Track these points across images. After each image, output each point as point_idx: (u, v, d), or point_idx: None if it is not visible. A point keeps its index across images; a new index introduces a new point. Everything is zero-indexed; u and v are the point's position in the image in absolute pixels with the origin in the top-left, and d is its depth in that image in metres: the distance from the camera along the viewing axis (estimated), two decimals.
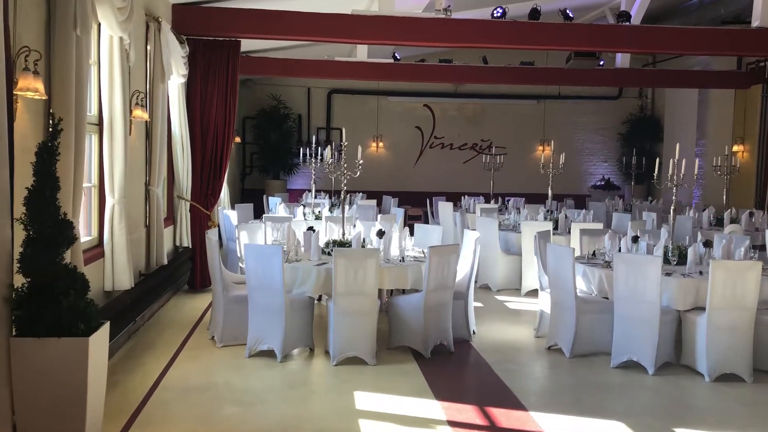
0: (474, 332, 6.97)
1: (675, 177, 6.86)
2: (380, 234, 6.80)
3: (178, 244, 8.72)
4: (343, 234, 7.09)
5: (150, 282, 7.08)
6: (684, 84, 14.54)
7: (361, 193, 13.97)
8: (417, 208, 15.75)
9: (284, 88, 16.66)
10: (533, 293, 8.86)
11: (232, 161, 15.52)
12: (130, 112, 6.57)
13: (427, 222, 14.33)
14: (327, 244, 6.78)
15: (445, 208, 12.82)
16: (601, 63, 13.94)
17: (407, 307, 6.23)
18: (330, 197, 13.26)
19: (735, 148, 13.92)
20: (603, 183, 17.88)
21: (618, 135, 17.86)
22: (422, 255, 6.64)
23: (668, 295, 5.90)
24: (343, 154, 7.19)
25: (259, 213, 11.52)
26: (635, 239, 6.87)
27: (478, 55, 14.42)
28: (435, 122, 17.67)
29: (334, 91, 17.14)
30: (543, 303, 6.91)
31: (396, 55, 13.33)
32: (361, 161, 7.13)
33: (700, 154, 15.01)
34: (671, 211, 7.08)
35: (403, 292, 6.69)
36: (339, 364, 5.87)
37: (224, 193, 12.84)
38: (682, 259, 6.43)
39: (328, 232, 7.66)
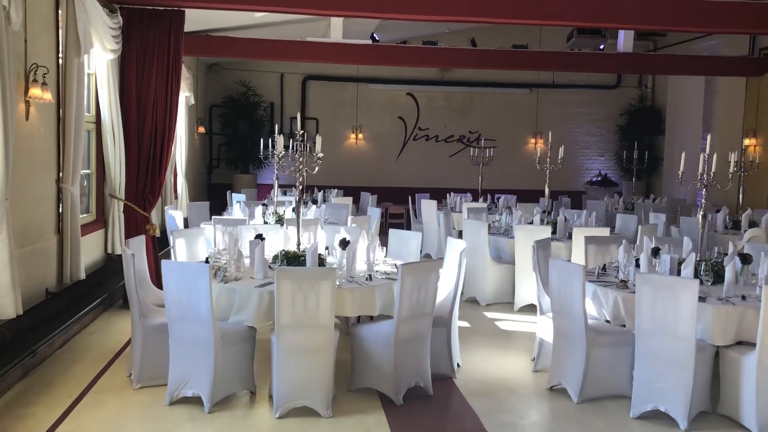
0: (458, 365, 5.68)
1: (705, 176, 5.58)
2: (343, 244, 5.49)
3: (110, 251, 7.36)
4: (298, 244, 5.76)
5: (57, 303, 5.73)
6: (691, 71, 13.26)
7: (336, 189, 12.65)
8: (399, 205, 14.44)
9: (255, 74, 15.27)
10: (528, 309, 7.60)
11: (197, 153, 14.15)
12: (26, 90, 5.21)
13: (409, 222, 13.02)
14: (275, 258, 5.46)
15: (428, 206, 11.54)
16: (602, 47, 12.69)
17: (374, 340, 4.92)
18: (301, 193, 11.93)
19: (746, 141, 12.69)
20: (599, 179, 16.64)
21: (616, 127, 16.61)
22: (396, 270, 5.34)
23: (703, 326, 4.63)
24: (299, 145, 5.83)
25: (222, 212, 10.15)
26: (656, 252, 5.60)
27: (465, 38, 13.12)
28: (419, 112, 16.34)
29: (309, 77, 15.76)
30: (543, 329, 5.63)
31: (375, 36, 11.98)
32: (320, 155, 5.80)
33: (706, 147, 13.76)
34: (699, 218, 5.80)
35: (371, 318, 5.39)
36: (283, 416, 4.56)
37: (182, 190, 11.49)
38: (716, 278, 5.17)
39: (284, 240, 6.34)
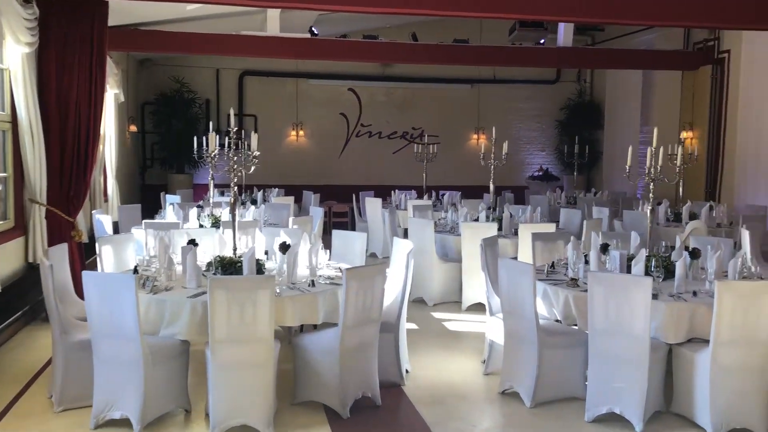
0: (407, 371, 5.44)
1: (653, 169, 5.50)
2: (283, 248, 5.17)
3: (32, 260, 6.83)
4: (235, 249, 5.41)
5: None
6: (629, 65, 13.41)
7: (277, 189, 12.25)
8: (343, 204, 14.13)
9: (189, 70, 14.70)
10: (476, 308, 7.44)
11: (129, 153, 13.53)
12: None
13: (353, 221, 12.75)
14: (209, 266, 5.10)
15: (373, 204, 11.30)
16: (542, 42, 12.69)
17: (317, 350, 4.64)
18: (240, 194, 11.51)
19: (684, 134, 12.92)
20: (541, 174, 16.73)
21: (556, 122, 16.74)
22: (340, 274, 5.05)
23: (656, 323, 4.52)
24: (233, 143, 5.47)
25: (155, 215, 9.64)
26: (605, 248, 5.49)
27: (406, 32, 12.92)
28: (361, 108, 16.08)
29: (246, 72, 15.29)
30: (493, 331, 5.45)
31: (313, 29, 11.63)
32: (256, 153, 5.46)
33: (645, 141, 13.97)
34: (647, 212, 5.72)
35: (315, 327, 5.09)
36: None
37: (113, 192, 10.91)
38: (667, 274, 5.08)
39: (220, 244, 5.97)
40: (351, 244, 6.27)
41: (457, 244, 7.89)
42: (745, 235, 7.27)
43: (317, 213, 9.11)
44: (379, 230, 10.89)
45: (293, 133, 15.67)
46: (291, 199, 11.08)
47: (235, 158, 5.38)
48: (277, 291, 4.56)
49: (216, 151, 5.62)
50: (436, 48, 11.90)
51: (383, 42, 11.77)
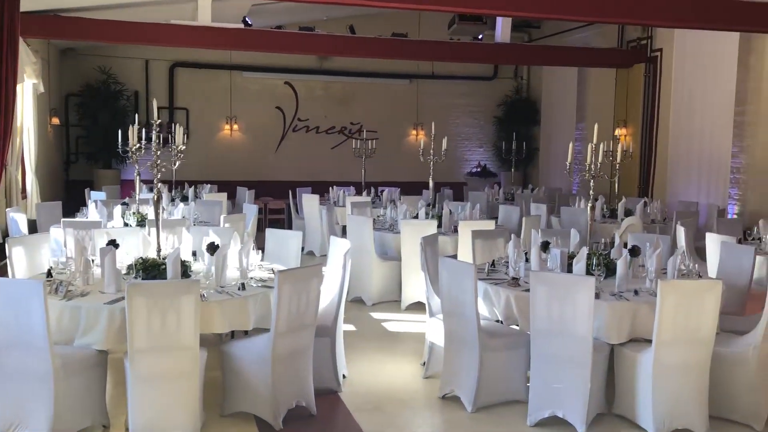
0: (344, 376, 5.21)
1: (593, 166, 5.42)
2: (211, 249, 4.86)
3: None
4: (158, 250, 5.05)
5: None
6: (565, 62, 13.53)
7: (209, 185, 11.80)
8: (280, 200, 13.76)
9: (116, 60, 14.01)
10: (415, 307, 7.26)
11: (51, 147, 12.81)
12: None
13: (290, 218, 12.40)
14: (130, 268, 4.74)
15: (310, 201, 10.99)
16: (480, 37, 12.64)
17: (247, 358, 4.35)
18: (170, 190, 11.03)
19: (617, 131, 13.11)
20: (479, 170, 16.75)
21: (494, 118, 16.77)
22: (273, 276, 4.77)
23: (599, 323, 4.42)
24: (158, 137, 5.11)
25: (76, 213, 9.08)
26: (545, 246, 5.39)
27: (344, 25, 12.65)
28: (298, 102, 15.71)
29: (177, 64, 14.69)
30: (433, 332, 5.26)
31: (247, 19, 11.23)
32: (182, 147, 5.11)
33: (580, 138, 14.14)
34: (588, 209, 5.64)
35: (246, 333, 4.79)
36: None
37: (32, 188, 10.27)
38: (608, 272, 5.00)
39: (144, 245, 5.59)
40: (285, 244, 5.98)
41: (397, 241, 7.70)
42: (681, 232, 7.36)
43: (251, 210, 8.76)
44: (316, 228, 10.60)
45: (227, 127, 15.18)
46: (224, 196, 10.67)
47: (159, 153, 5.02)
48: (204, 295, 4.26)
49: (138, 146, 5.22)
50: (374, 41, 11.68)
51: (320, 34, 11.48)
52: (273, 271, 4.89)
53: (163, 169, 5.07)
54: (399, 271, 7.55)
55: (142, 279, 4.57)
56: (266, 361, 4.21)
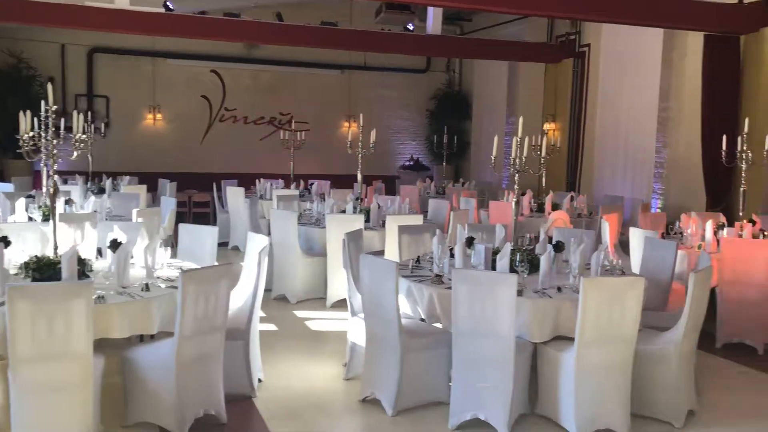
0: (260, 381, 4.93)
1: (518, 160, 5.30)
2: (114, 246, 4.50)
3: None
4: (56, 247, 4.63)
5: None
6: (496, 55, 13.54)
7: (128, 177, 11.24)
8: (205, 193, 13.26)
9: (29, 44, 13.19)
10: (341, 305, 7.01)
11: None
12: None
13: (215, 212, 11.95)
14: (23, 268, 4.33)
15: (235, 194, 10.59)
16: (411, 27, 12.48)
17: (150, 364, 4.02)
18: (86, 182, 10.46)
19: (546, 126, 13.21)
20: (412, 163, 16.65)
21: (426, 111, 16.70)
22: None
23: (521, 321, 4.29)
24: (51, 123, 4.70)
25: None
26: (470, 242, 5.24)
27: (271, 13, 12.27)
28: (225, 91, 15.21)
29: (96, 49, 13.96)
30: (355, 332, 5.05)
31: (168, 4, 10.71)
32: (81, 136, 4.72)
33: (511, 132, 14.19)
34: (513, 204, 5.53)
35: (153, 336, 4.46)
36: None
37: None
38: (531, 268, 4.89)
39: (43, 242, 5.15)
40: (200, 240, 5.65)
41: (322, 237, 7.44)
42: (605, 226, 7.38)
43: (168, 204, 8.33)
44: (242, 222, 10.22)
45: (150, 116, 14.55)
46: (143, 188, 10.17)
47: (56, 142, 4.61)
48: (103, 297, 3.91)
49: (32, 134, 4.78)
50: (302, 30, 11.35)
51: (246, 21, 11.06)
52: (182, 270, 4.57)
53: (59, 159, 4.65)
54: (324, 268, 7.30)
55: (36, 279, 4.18)
56: (170, 368, 3.90)
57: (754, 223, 6.97)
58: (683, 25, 9.47)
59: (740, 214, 7.48)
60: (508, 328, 4.08)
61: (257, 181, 11.55)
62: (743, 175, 7.46)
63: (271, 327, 6.42)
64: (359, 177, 9.15)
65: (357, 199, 8.82)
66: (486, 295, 4.11)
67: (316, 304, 7.29)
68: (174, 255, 5.43)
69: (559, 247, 5.13)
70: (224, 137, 15.14)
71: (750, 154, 7.32)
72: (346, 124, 15.87)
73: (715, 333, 6.02)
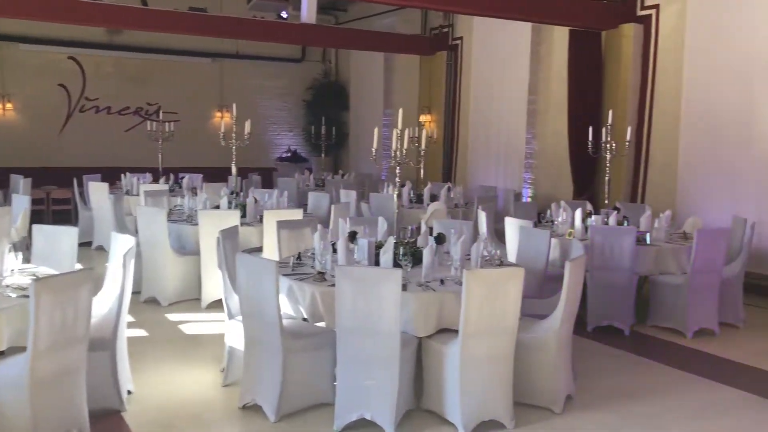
0: (129, 393, 4.56)
1: (398, 152, 5.23)
2: None
3: None
4: None
5: None
6: (371, 46, 13.51)
7: None
8: (65, 189, 12.29)
9: None
10: (217, 305, 6.67)
11: None
12: None
13: (77, 210, 11.09)
14: None
15: (98, 190, 9.89)
16: (284, 15, 12.18)
17: (0, 384, 3.58)
18: None
19: (422, 118, 13.35)
20: (290, 155, 16.34)
21: (303, 102, 16.43)
22: None
23: (406, 316, 4.22)
24: None
25: None
26: (353, 237, 5.11)
27: None
28: (86, 80, 14.19)
29: None
30: (232, 336, 4.78)
31: None
32: None
33: (388, 123, 14.26)
34: (395, 197, 5.47)
35: (1, 353, 3.98)
36: None
37: None
38: (415, 261, 4.84)
39: None
40: (57, 242, 5.15)
41: (195, 234, 7.04)
42: (482, 217, 7.52)
43: (21, 202, 7.60)
44: (106, 220, 9.53)
45: None
46: None
47: None
48: None
49: None
50: (169, 15, 10.76)
51: (106, 4, 10.30)
52: (36, 277, 4.11)
53: None
54: (198, 267, 6.93)
55: None
56: (22, 387, 3.48)
57: (618, 210, 7.35)
58: (549, 20, 9.85)
59: (605, 201, 7.90)
60: (394, 324, 3.99)
61: (123, 175, 10.85)
62: (607, 164, 7.86)
63: (141, 333, 6.00)
64: (234, 170, 8.79)
65: (232, 193, 8.47)
66: (371, 291, 4.00)
67: (190, 306, 6.91)
68: (28, 259, 4.91)
69: (440, 239, 5.12)
70: (85, 129, 14.13)
71: (614, 145, 7.72)
72: (219, 114, 15.28)
73: (586, 317, 6.28)
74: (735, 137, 8.18)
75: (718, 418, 4.52)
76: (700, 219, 7.32)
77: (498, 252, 5.20)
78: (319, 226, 5.28)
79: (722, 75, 8.34)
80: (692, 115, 8.72)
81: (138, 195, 9.45)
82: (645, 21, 9.37)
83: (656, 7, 9.27)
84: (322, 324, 4.49)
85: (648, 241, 6.52)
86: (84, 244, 10.01)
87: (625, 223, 6.89)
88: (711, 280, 6.28)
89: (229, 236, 5.25)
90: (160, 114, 12.47)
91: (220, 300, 6.53)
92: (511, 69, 11.35)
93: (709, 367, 5.51)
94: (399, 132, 5.20)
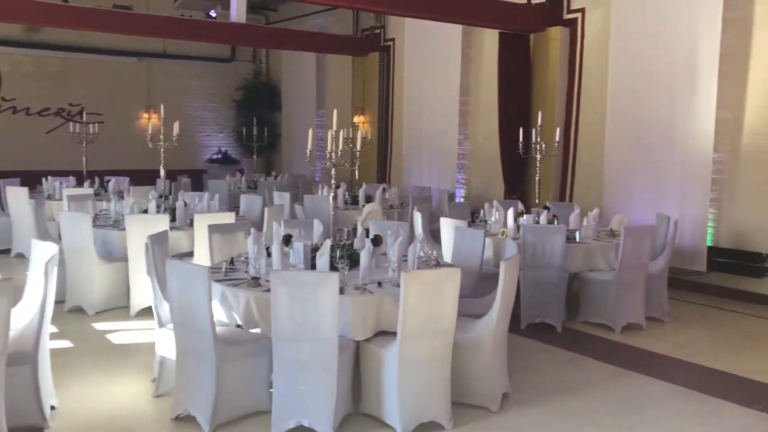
0: (53, 408, 4.34)
1: (334, 154, 5.18)
2: None
3: None
4: None
5: None
6: (303, 46, 13.39)
7: None
8: None
9: None
10: (147, 313, 6.45)
11: None
12: None
13: None
14: None
15: (17, 195, 9.42)
16: (213, 14, 11.93)
17: None
18: None
19: (356, 119, 13.33)
20: (220, 156, 16.01)
21: (233, 102, 16.14)
22: None
23: (343, 320, 4.17)
24: None
25: None
26: (288, 240, 5.03)
27: None
28: (1, 79, 13.50)
29: None
30: (163, 345, 4.62)
31: None
32: None
33: (321, 124, 14.17)
34: (330, 198, 5.41)
35: None
36: None
37: None
38: (352, 263, 4.80)
39: None
40: None
41: (122, 240, 6.79)
42: (418, 217, 7.54)
43: None
44: (27, 226, 9.08)
45: None
46: None
47: None
48: None
49: None
50: (92, 12, 10.36)
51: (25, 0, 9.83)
52: None
53: None
54: (126, 274, 6.68)
55: None
56: None
57: (548, 209, 7.51)
58: (478, 22, 9.99)
59: (536, 201, 8.06)
60: (331, 328, 3.94)
61: (44, 179, 10.37)
62: (537, 164, 8.03)
63: (66, 344, 5.74)
64: (162, 172, 8.54)
65: (161, 196, 8.22)
66: (307, 296, 3.93)
67: (118, 314, 6.65)
68: None
69: (377, 241, 5.09)
70: (2, 131, 13.43)
71: (543, 146, 7.89)
72: (146, 115, 14.78)
73: (520, 314, 6.38)
74: (658, 137, 8.49)
75: (647, 410, 4.66)
76: (626, 217, 7.56)
77: (434, 252, 5.21)
78: (252, 230, 5.17)
79: (645, 77, 8.64)
80: (617, 116, 8.99)
81: (61, 200, 9.05)
82: (571, 24, 9.62)
83: (582, 10, 9.53)
84: (257, 330, 4.39)
85: (577, 239, 6.68)
86: (2, 252, 9.54)
87: (555, 222, 7.04)
88: (637, 276, 6.49)
89: (158, 241, 5.07)
90: (84, 115, 12.00)
91: (150, 308, 6.36)
92: (443, 70, 11.45)
93: (637, 361, 5.68)
94: (334, 133, 5.15)
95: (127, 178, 10.83)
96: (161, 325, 4.66)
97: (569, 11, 9.67)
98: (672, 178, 8.34)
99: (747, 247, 7.76)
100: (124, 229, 6.76)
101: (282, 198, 9.16)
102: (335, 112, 5.32)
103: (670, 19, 8.38)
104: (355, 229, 5.70)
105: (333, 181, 5.36)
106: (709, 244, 8.01)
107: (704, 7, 7.95)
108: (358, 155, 5.73)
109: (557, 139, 8.13)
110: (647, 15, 8.67)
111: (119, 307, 6.76)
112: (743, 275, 7.74)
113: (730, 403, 4.77)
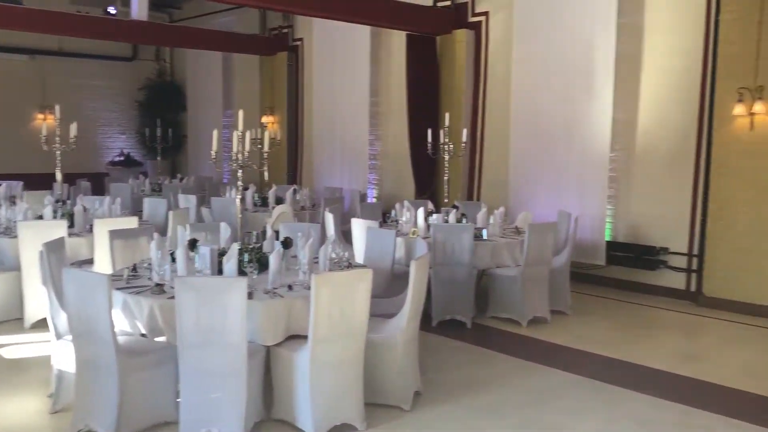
0: None
1: (240, 155, 5.06)
2: None
3: None
4: None
5: None
6: (208, 45, 13.06)
7: None
8: None
9: None
10: (43, 325, 6.08)
11: None
12: None
13: None
14: None
15: None
16: (113, 12, 11.45)
17: None
18: None
19: (265, 119, 13.13)
20: (123, 158, 15.39)
21: (135, 102, 15.55)
22: None
23: (253, 326, 4.09)
24: None
25: None
26: (193, 245, 4.88)
27: None
28: None
29: None
30: (61, 358, 4.38)
31: None
32: None
33: (229, 125, 13.87)
34: (237, 201, 5.29)
35: None
36: None
37: None
38: (261, 267, 4.71)
39: None
40: None
41: (14, 248, 6.39)
42: (329, 219, 7.51)
43: None
44: None
45: None
46: None
47: None
48: None
49: None
50: None
51: None
52: None
53: None
54: (19, 284, 6.29)
55: None
56: None
57: (456, 208, 7.65)
58: (385, 24, 10.05)
59: (445, 200, 8.20)
60: (239, 334, 3.85)
61: None
62: (446, 164, 8.17)
63: None
64: (59, 176, 8.11)
65: (57, 201, 7.80)
66: (214, 302, 3.82)
67: (11, 326, 6.26)
68: None
69: (287, 244, 5.03)
70: None
71: (451, 146, 8.03)
72: (41, 116, 14.05)
73: (431, 312, 6.46)
74: (558, 137, 8.81)
75: (554, 401, 4.82)
76: (531, 214, 7.81)
77: (346, 254, 5.19)
78: (155, 235, 4.99)
79: (546, 80, 8.95)
80: (520, 116, 9.27)
81: None
82: (476, 27, 9.84)
83: (486, 14, 9.77)
84: (162, 339, 4.24)
85: (485, 237, 6.84)
86: None
87: (464, 221, 7.18)
88: (542, 271, 6.72)
89: (54, 249, 4.80)
90: None
91: (45, 319, 6.03)
92: (352, 71, 11.45)
93: (544, 354, 5.88)
94: (240, 134, 5.04)
95: (21, 183, 10.23)
96: (59, 336, 4.42)
97: (474, 14, 9.89)
98: (572, 176, 8.68)
99: (642, 241, 8.18)
100: (16, 236, 6.36)
101: (188, 201, 8.91)
102: (241, 112, 5.20)
103: (568, 24, 8.71)
104: (264, 232, 5.60)
105: (240, 182, 5.24)
106: (607, 238, 8.39)
107: (600, 12, 8.32)
108: (266, 156, 5.62)
109: (464, 139, 8.30)
110: (547, 20, 8.98)
111: (12, 319, 6.36)
112: (639, 268, 8.15)
113: (626, 389, 5.01)
